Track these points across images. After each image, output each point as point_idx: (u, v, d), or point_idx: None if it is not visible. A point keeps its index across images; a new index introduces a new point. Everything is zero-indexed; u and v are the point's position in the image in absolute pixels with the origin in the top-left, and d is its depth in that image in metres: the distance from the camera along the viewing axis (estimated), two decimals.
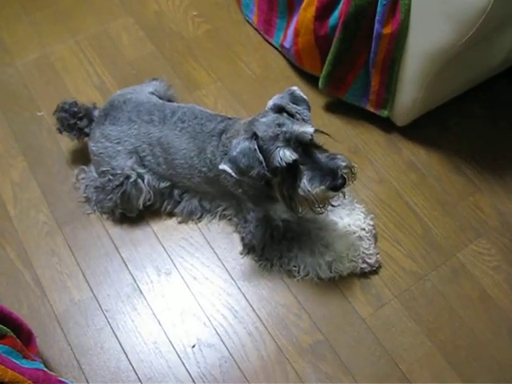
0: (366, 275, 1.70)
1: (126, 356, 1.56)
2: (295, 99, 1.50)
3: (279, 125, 1.41)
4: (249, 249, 1.69)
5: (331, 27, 1.82)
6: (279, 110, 1.46)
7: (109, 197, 1.71)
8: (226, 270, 1.70)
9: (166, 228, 1.76)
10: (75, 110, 1.79)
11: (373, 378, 1.55)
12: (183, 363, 1.55)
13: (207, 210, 1.77)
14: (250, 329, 1.60)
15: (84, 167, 1.83)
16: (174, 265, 1.70)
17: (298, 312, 1.63)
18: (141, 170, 1.71)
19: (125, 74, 2.12)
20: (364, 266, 1.67)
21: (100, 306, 1.62)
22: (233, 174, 1.43)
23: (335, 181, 1.40)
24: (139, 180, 1.70)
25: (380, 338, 1.60)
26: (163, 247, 1.72)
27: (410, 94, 1.81)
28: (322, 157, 1.42)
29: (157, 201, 1.76)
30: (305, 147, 1.41)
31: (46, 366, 1.47)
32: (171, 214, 1.79)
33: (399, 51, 1.72)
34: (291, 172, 1.43)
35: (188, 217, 1.77)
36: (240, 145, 1.43)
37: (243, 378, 1.54)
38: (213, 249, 1.73)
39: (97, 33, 2.25)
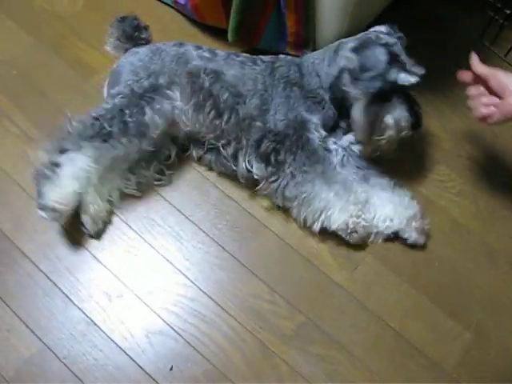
0: (332, 238, 1.60)
1: None
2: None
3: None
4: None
5: None
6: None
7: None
8: (182, 273, 1.55)
9: (102, 246, 1.58)
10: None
11: (366, 344, 1.48)
12: None
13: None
14: (225, 330, 1.48)
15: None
16: (124, 284, 1.53)
17: (270, 298, 1.52)
18: None
19: (4, 76, 1.84)
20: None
21: (56, 355, 1.44)
22: (351, 65, 1.47)
23: (418, 121, 1.54)
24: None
25: (363, 301, 1.52)
26: (105, 267, 1.55)
27: (333, 28, 1.67)
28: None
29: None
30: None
31: None
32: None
33: None
34: (383, 98, 1.50)
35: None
36: (376, 47, 1.49)
37: None
38: (160, 254, 1.57)
39: None
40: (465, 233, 1.63)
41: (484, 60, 1.90)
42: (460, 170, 1.72)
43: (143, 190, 1.64)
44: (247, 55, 1.69)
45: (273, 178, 1.55)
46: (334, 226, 1.54)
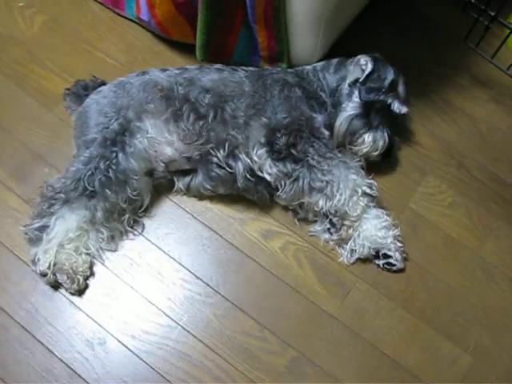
0: (320, 264, 1.56)
1: None
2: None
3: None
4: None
5: None
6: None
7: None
8: (165, 313, 1.50)
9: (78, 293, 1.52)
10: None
11: (362, 375, 1.46)
12: None
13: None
14: (215, 372, 1.44)
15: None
16: (106, 330, 1.48)
17: (260, 334, 1.49)
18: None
19: None
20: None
21: None
22: (367, 71, 1.56)
23: (390, 151, 1.64)
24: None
25: (357, 330, 1.49)
26: (85, 313, 1.49)
27: (307, 39, 1.62)
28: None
29: None
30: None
31: None
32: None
33: None
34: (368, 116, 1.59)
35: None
36: (387, 66, 1.61)
37: None
38: (141, 295, 1.52)
39: None
40: (459, 248, 1.60)
41: (470, 62, 1.84)
42: (450, 181, 1.68)
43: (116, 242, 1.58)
44: (223, 65, 1.65)
45: (295, 175, 1.51)
46: (363, 203, 1.52)
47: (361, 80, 1.56)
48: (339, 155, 1.54)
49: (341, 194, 1.48)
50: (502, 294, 1.54)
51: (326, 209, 1.50)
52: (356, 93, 1.58)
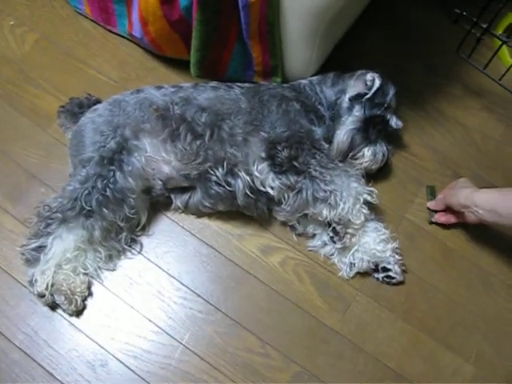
0: (320, 278, 1.56)
1: None
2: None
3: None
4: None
5: (184, 9, 1.54)
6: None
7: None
8: (166, 332, 1.49)
9: (79, 312, 1.50)
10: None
11: None
12: None
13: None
14: None
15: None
16: (107, 351, 1.47)
17: (262, 350, 1.48)
18: None
19: None
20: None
21: None
22: (376, 86, 1.56)
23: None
24: None
25: (359, 343, 1.49)
26: (85, 335, 1.48)
27: (301, 54, 1.62)
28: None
29: None
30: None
31: None
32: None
33: (275, 15, 1.49)
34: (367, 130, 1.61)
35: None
36: (388, 82, 1.62)
37: None
38: (142, 314, 1.51)
39: None
40: (456, 257, 1.60)
41: (461, 71, 1.86)
42: None
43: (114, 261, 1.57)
44: (218, 82, 1.65)
45: (298, 187, 1.49)
46: (365, 211, 1.51)
47: (368, 95, 1.56)
48: (340, 165, 1.53)
49: (344, 203, 1.47)
50: (500, 302, 1.55)
51: (330, 218, 1.49)
52: (357, 107, 1.58)
